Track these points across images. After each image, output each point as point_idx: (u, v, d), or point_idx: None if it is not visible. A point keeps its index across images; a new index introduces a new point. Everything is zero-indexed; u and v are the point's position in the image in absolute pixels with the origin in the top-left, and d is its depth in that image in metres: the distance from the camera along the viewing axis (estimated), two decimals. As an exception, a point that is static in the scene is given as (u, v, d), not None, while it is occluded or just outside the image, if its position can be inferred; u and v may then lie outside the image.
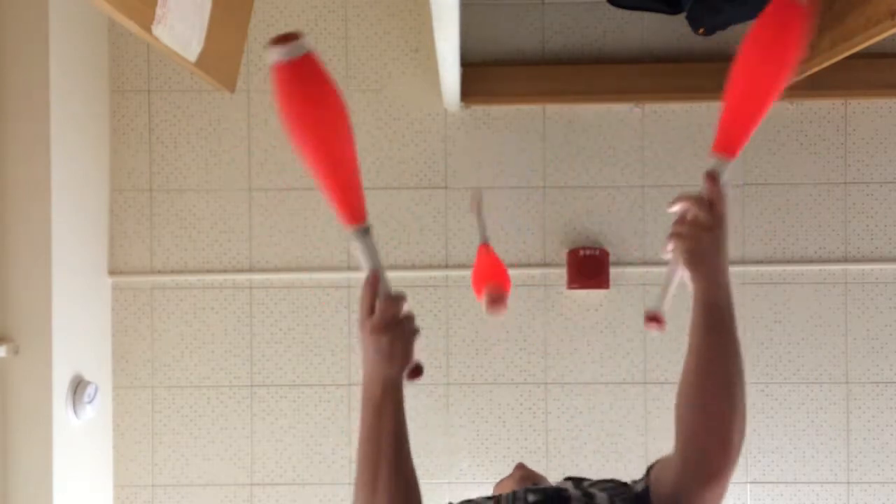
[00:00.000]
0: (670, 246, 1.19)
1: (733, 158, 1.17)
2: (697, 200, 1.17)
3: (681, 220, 1.18)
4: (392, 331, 1.08)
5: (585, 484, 1.22)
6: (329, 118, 1.03)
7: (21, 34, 2.46)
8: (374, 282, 1.08)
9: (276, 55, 0.96)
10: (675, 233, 1.17)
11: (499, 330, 2.90)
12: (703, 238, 1.15)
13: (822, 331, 2.89)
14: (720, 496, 1.08)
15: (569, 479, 1.26)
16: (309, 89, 1.00)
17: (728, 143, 1.16)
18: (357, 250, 1.08)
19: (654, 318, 1.23)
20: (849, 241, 2.89)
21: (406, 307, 1.10)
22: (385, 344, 1.08)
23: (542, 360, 2.91)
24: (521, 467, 1.55)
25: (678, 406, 1.13)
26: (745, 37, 1.10)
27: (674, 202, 1.20)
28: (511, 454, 2.89)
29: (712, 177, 1.18)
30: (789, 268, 2.89)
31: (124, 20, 1.47)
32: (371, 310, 1.08)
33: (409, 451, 1.10)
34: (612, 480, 1.22)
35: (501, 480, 1.57)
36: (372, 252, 1.08)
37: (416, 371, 1.12)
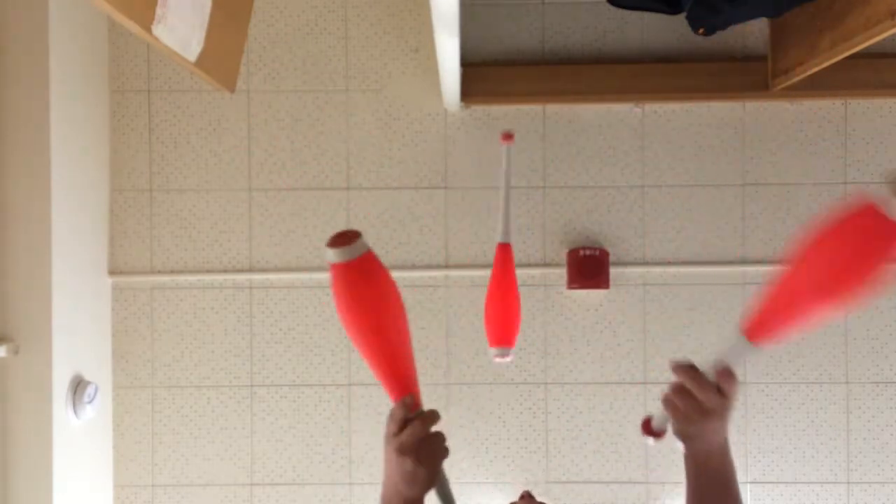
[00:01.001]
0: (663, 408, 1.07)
1: (758, 348, 1.03)
2: (704, 382, 1.04)
3: (680, 390, 1.04)
4: (418, 452, 1.03)
5: None
6: (385, 314, 1.04)
7: (21, 34, 2.46)
8: (413, 405, 1.05)
9: (333, 256, 0.99)
10: (672, 404, 1.05)
11: (499, 330, 2.90)
12: (700, 421, 1.04)
13: (822, 331, 2.89)
14: None
15: None
16: (366, 290, 1.01)
17: (762, 333, 1.02)
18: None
19: (650, 431, 1.13)
20: (849, 241, 2.89)
21: (437, 426, 1.05)
22: (409, 465, 1.03)
23: (542, 360, 2.91)
24: (527, 497, 1.54)
25: None
26: (827, 230, 0.96)
27: (676, 368, 1.05)
28: (511, 454, 2.89)
29: (727, 363, 1.04)
30: (789, 268, 2.88)
31: (124, 20, 1.46)
32: (401, 427, 1.04)
33: None
34: None
35: None
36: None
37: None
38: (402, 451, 1.03)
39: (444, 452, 1.05)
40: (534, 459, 2.90)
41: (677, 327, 2.89)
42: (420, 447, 1.03)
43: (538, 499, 1.74)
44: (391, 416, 1.06)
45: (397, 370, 1.07)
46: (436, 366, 2.89)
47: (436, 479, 1.06)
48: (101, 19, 2.86)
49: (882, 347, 2.88)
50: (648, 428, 1.12)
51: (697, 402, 1.03)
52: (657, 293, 2.90)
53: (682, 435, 1.06)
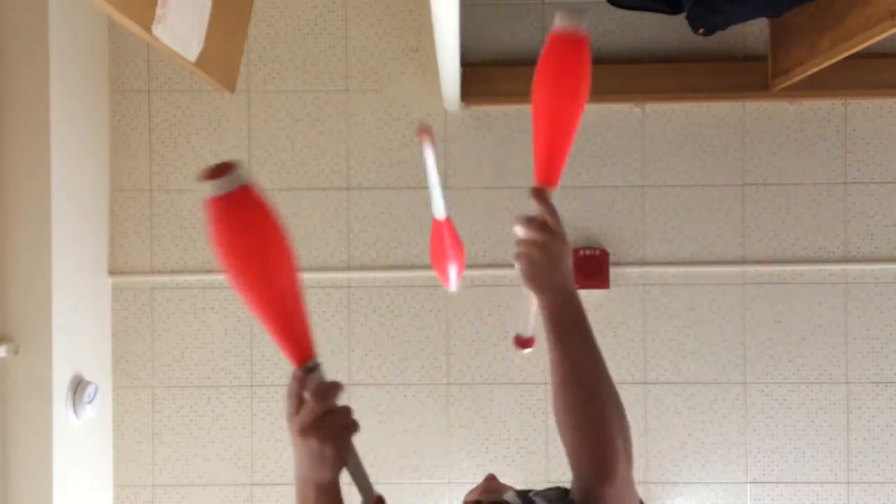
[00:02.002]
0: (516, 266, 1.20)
1: (555, 188, 1.24)
2: (529, 220, 1.20)
3: (519, 240, 1.20)
4: (320, 430, 0.94)
5: (531, 494, 1.26)
6: (269, 250, 0.96)
7: (21, 34, 2.46)
8: (303, 376, 0.94)
9: (210, 189, 0.91)
10: (516, 253, 1.19)
11: (499, 330, 2.90)
12: (535, 255, 1.17)
13: (822, 331, 2.89)
14: (622, 493, 1.11)
15: (518, 492, 1.29)
16: (247, 221, 0.94)
17: (547, 176, 1.24)
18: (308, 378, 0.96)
19: (522, 343, 1.24)
20: (849, 241, 2.89)
21: (339, 399, 0.94)
22: (314, 446, 0.95)
23: (542, 359, 2.90)
24: (489, 479, 1.55)
25: (556, 421, 1.17)
26: (535, 74, 1.14)
27: (521, 220, 1.21)
28: (511, 454, 2.89)
29: (540, 196, 1.21)
30: (789, 268, 2.89)
31: (124, 20, 1.46)
32: (298, 405, 0.95)
33: None
34: (556, 488, 1.24)
35: (472, 489, 1.58)
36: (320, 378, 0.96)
37: None
38: (304, 431, 0.95)
39: (352, 427, 0.96)
40: (534, 459, 2.90)
41: (677, 327, 2.89)
42: (321, 424, 0.94)
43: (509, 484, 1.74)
44: (288, 391, 0.97)
45: (294, 327, 0.95)
46: (436, 366, 2.88)
47: (346, 458, 0.97)
48: (101, 19, 2.86)
49: (882, 347, 2.88)
50: (521, 341, 1.23)
51: (529, 241, 1.17)
52: (657, 293, 2.89)
53: (534, 284, 1.16)
